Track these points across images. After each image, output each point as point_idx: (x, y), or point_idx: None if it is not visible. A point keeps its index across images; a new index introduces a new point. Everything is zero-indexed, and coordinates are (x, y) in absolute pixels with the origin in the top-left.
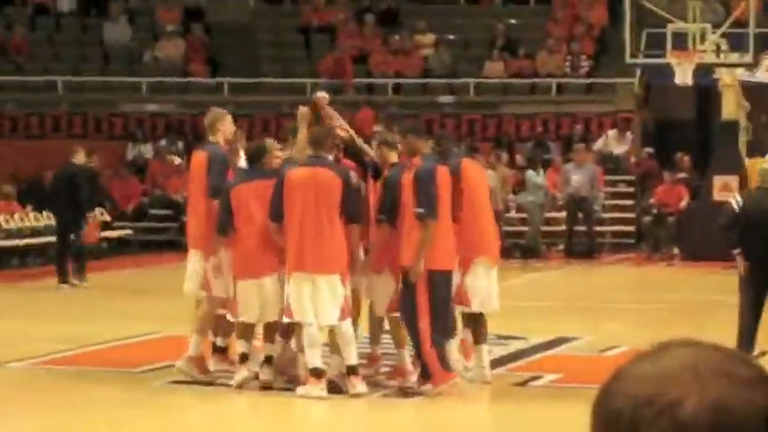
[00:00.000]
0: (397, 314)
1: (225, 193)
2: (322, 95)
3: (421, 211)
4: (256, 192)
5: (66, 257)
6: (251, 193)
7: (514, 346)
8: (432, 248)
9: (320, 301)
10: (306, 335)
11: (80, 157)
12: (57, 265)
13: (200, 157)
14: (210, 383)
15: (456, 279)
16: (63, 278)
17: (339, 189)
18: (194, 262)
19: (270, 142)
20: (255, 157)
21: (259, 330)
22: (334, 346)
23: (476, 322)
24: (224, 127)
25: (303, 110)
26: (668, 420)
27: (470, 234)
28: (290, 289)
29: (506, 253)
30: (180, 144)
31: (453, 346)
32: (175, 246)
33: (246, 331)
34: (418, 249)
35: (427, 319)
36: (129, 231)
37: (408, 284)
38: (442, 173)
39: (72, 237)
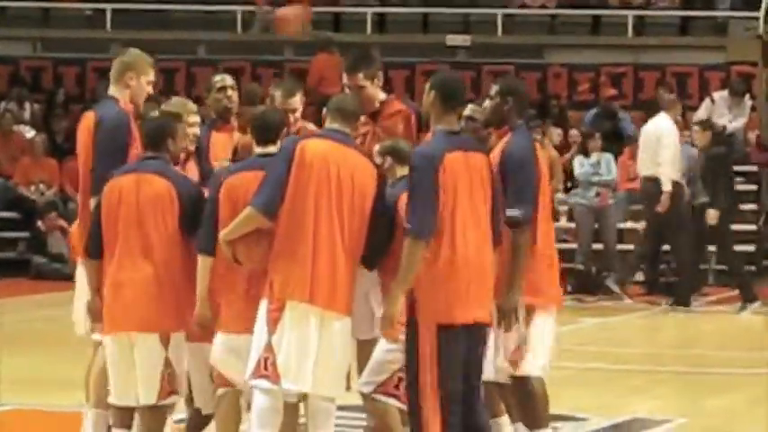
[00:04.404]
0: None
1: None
2: None
3: (515, 213)
4: (143, 191)
5: None
6: (129, 195)
7: (566, 431)
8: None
9: (328, 353)
10: (260, 409)
11: None
12: None
13: (86, 120)
14: None
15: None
16: None
17: (375, 188)
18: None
19: (181, 104)
20: (154, 136)
21: None
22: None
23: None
24: (138, 80)
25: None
26: None
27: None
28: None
29: None
30: (34, 106)
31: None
32: (26, 268)
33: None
34: (513, 274)
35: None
36: None
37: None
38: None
39: None
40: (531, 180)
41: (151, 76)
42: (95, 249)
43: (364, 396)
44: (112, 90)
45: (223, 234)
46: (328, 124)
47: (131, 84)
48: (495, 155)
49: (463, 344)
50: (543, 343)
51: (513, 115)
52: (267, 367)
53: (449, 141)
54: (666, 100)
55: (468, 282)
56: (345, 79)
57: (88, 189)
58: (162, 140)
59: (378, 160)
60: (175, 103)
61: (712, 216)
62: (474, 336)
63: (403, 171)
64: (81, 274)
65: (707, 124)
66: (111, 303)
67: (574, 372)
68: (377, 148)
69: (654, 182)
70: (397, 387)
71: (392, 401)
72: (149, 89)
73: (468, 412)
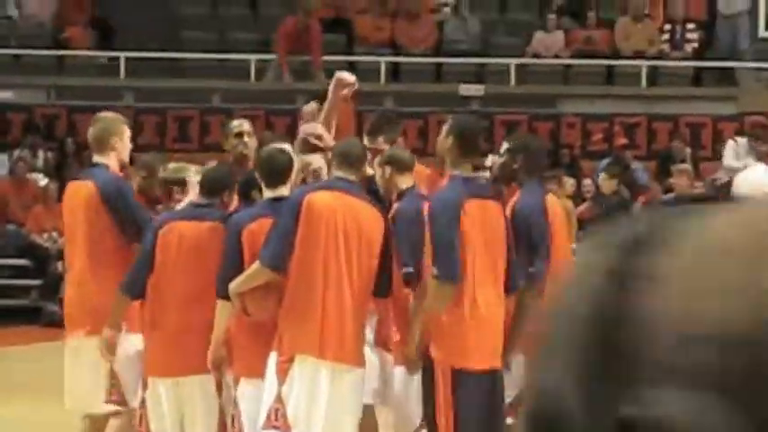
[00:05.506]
0: None
1: (150, 233)
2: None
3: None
4: (199, 237)
5: None
6: (191, 239)
7: None
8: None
9: (339, 404)
10: None
11: None
12: None
13: (81, 192)
14: None
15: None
16: None
17: (381, 235)
18: (86, 359)
19: (181, 169)
20: (214, 184)
21: None
22: None
23: None
24: (122, 140)
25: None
26: None
27: None
28: (283, 384)
29: None
30: (48, 154)
31: None
32: (38, 316)
33: None
34: (514, 331)
35: None
36: None
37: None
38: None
39: None
40: (538, 238)
41: (128, 131)
42: (138, 290)
43: None
44: (98, 158)
45: (232, 286)
46: (334, 171)
47: (117, 146)
48: (507, 212)
49: (480, 390)
50: None
51: (523, 173)
52: (278, 418)
53: (467, 188)
54: (765, 151)
55: (486, 328)
56: (366, 141)
57: (84, 253)
58: (220, 190)
59: (378, 171)
60: (176, 168)
61: None
62: (492, 383)
63: (403, 180)
64: (76, 350)
65: (614, 172)
66: (162, 347)
67: None
68: (377, 159)
69: None
70: None
71: None
72: (129, 144)
73: None
